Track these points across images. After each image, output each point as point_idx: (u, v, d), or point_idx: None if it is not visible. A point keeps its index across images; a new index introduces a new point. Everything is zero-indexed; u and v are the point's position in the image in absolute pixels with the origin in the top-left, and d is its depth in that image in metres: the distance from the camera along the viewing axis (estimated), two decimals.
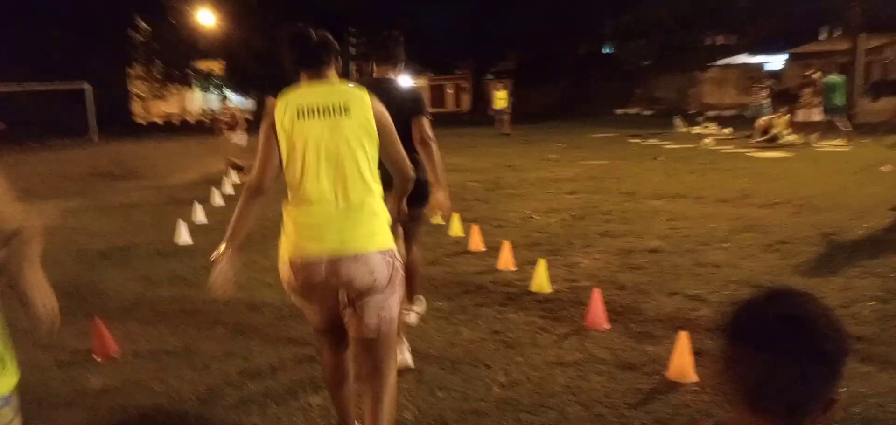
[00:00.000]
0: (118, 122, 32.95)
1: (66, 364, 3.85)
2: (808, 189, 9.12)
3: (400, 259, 2.57)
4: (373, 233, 2.44)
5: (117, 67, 35.85)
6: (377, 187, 2.50)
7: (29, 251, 1.65)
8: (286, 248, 2.45)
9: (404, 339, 3.67)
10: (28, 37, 30.42)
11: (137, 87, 40.48)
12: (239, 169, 12.26)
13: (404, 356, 3.59)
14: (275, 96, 2.73)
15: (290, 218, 2.47)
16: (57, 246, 7.24)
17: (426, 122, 3.59)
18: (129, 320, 4.61)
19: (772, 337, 1.08)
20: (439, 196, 3.66)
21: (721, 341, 1.13)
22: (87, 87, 27.35)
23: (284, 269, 2.48)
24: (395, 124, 2.59)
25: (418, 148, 3.58)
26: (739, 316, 1.14)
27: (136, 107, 41.64)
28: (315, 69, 2.52)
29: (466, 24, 46.30)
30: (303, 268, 2.41)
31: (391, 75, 3.79)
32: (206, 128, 22.31)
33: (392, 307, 2.52)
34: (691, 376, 3.42)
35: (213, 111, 12.48)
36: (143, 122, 39.00)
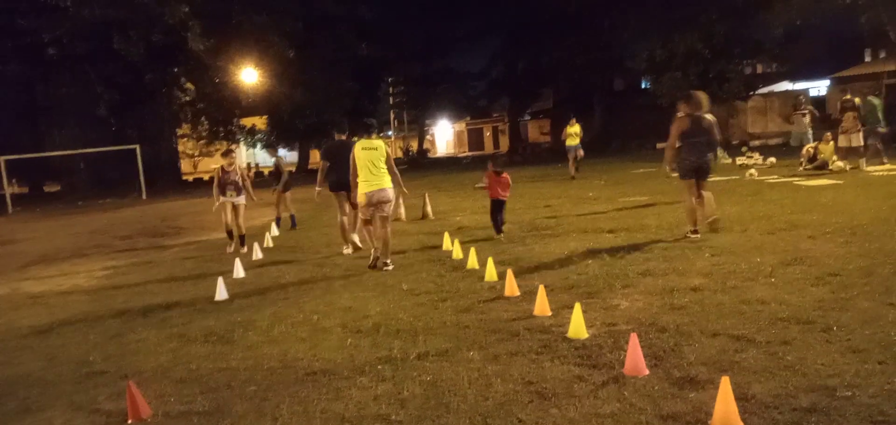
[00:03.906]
0: (167, 180, 33.99)
1: None
2: (859, 217, 8.75)
3: (394, 191, 8.17)
4: (387, 183, 8.00)
5: (166, 127, 37.07)
6: (388, 174, 8.02)
7: None
8: (362, 190, 7.87)
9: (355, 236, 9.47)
10: (81, 102, 31.76)
11: (185, 146, 41.74)
12: (238, 239, 10.75)
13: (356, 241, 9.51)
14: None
15: (361, 182, 7.90)
16: (100, 305, 7.39)
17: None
18: (163, 379, 4.62)
19: None
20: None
21: None
22: (136, 147, 28.31)
23: (362, 197, 7.89)
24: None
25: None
26: None
27: (185, 165, 42.89)
28: (368, 135, 8.46)
29: (499, 66, 46.76)
30: (370, 194, 7.85)
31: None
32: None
33: (390, 208, 8.14)
34: (737, 424, 3.23)
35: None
36: (191, 179, 40.04)
